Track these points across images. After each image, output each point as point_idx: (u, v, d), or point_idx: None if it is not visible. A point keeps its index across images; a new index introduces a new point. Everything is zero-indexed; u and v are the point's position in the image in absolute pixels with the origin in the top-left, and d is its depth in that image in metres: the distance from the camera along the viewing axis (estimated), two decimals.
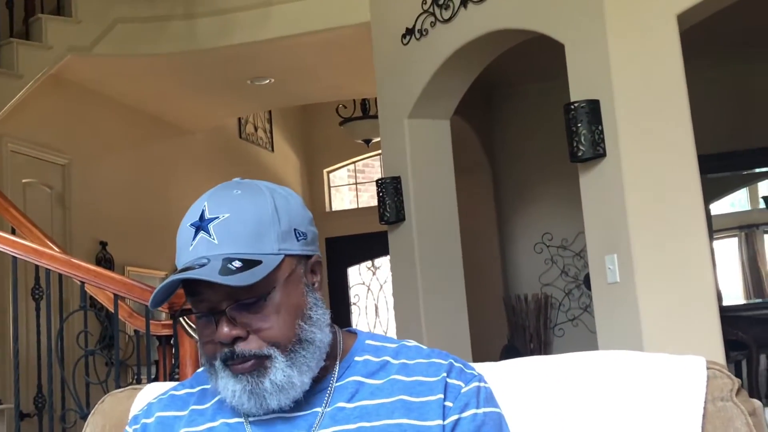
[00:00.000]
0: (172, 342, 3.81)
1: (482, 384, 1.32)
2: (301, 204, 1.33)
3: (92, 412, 1.64)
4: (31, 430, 4.85)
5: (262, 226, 1.25)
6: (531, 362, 1.49)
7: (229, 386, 1.25)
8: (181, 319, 3.47)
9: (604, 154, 4.20)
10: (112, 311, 3.85)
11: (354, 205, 10.93)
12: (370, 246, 9.64)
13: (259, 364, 1.23)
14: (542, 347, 7.61)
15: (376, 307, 10.53)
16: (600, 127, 4.20)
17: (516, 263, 7.93)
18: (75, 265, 3.83)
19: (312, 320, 1.28)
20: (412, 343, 1.38)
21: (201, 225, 1.25)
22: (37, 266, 4.00)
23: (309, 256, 1.31)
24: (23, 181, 6.38)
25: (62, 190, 6.76)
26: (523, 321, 7.71)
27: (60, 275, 3.96)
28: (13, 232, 4.30)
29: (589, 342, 6.87)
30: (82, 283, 3.82)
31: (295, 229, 1.28)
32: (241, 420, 1.29)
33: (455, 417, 1.27)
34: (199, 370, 1.38)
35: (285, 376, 1.24)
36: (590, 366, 1.44)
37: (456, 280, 5.64)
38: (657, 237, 4.08)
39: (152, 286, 3.88)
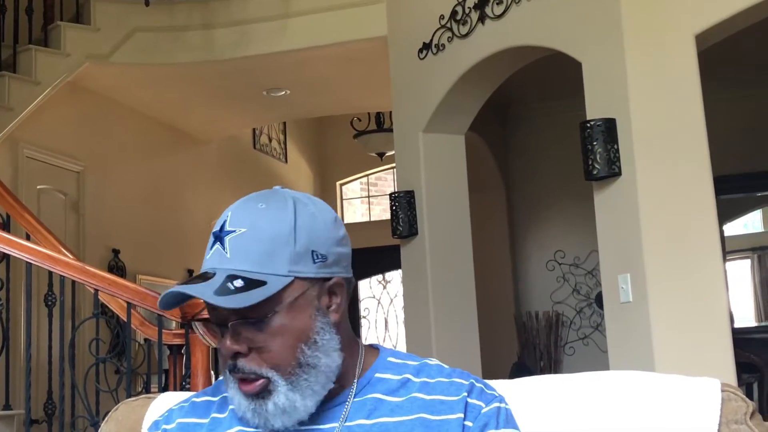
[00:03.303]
0: (182, 351, 3.81)
1: (503, 405, 1.31)
2: (329, 223, 1.30)
3: (106, 419, 1.63)
4: None
5: (276, 246, 1.24)
6: (543, 381, 1.49)
7: (236, 398, 1.27)
8: (196, 324, 3.46)
9: (619, 173, 4.18)
10: (125, 319, 3.85)
11: (366, 218, 10.94)
12: (381, 259, 9.63)
13: (263, 387, 1.24)
14: (552, 365, 7.58)
15: (386, 321, 10.52)
16: (616, 146, 4.19)
17: (528, 280, 7.91)
18: (90, 272, 3.84)
19: (317, 345, 1.26)
20: (434, 361, 1.37)
21: (220, 236, 1.26)
22: (50, 273, 4.01)
23: (327, 279, 1.29)
24: (38, 187, 6.40)
25: (76, 197, 6.78)
26: (533, 338, 7.69)
27: (73, 282, 3.97)
28: (28, 238, 4.31)
29: (599, 361, 6.85)
30: (96, 290, 3.82)
31: (312, 251, 1.26)
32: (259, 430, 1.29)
33: None
34: (221, 378, 1.39)
35: (288, 400, 1.23)
36: (604, 386, 1.43)
37: (467, 295, 5.63)
38: (671, 257, 4.06)
39: None
